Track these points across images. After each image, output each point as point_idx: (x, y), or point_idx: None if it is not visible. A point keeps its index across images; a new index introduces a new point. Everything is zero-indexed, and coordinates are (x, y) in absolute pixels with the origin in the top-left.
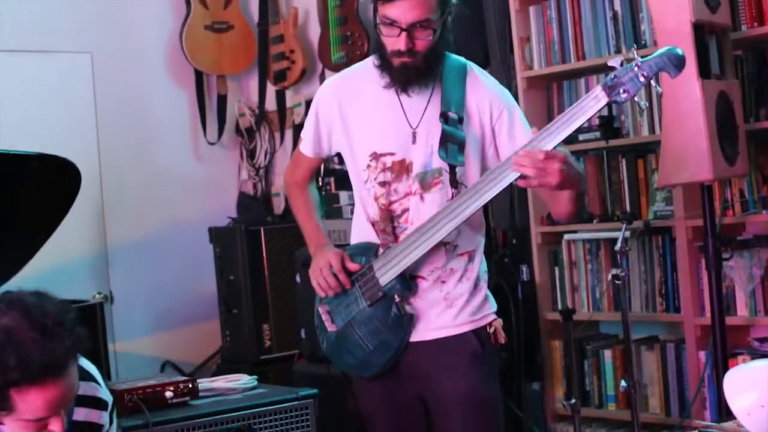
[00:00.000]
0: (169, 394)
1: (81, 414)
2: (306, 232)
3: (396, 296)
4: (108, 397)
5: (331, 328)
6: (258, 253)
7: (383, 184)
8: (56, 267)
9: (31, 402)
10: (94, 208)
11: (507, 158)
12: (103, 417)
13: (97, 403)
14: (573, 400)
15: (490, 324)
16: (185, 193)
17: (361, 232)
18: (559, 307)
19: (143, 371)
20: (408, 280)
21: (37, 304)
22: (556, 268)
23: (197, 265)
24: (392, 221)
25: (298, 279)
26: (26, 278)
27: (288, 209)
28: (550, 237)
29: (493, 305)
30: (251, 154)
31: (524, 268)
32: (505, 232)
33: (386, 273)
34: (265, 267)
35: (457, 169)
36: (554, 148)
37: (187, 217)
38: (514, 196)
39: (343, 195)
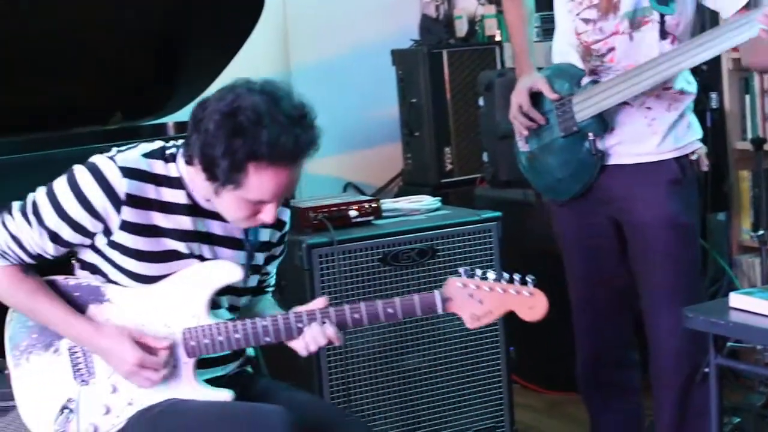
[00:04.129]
0: (353, 213)
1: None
2: (513, 50)
3: (590, 134)
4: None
5: (523, 147)
6: (440, 76)
7: (587, 21)
8: None
9: (262, 181)
10: (277, 30)
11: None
12: (287, 214)
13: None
14: (761, 232)
15: (693, 151)
16: (368, 15)
17: (563, 52)
18: (749, 136)
19: (325, 191)
20: (605, 120)
21: (284, 93)
22: (747, 96)
23: (379, 87)
24: (596, 60)
25: (480, 102)
26: None
27: (470, 32)
28: (741, 63)
29: (697, 131)
30: None
31: (714, 96)
32: None
33: (584, 110)
34: (448, 90)
35: (666, 18)
36: None
37: (370, 39)
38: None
39: None
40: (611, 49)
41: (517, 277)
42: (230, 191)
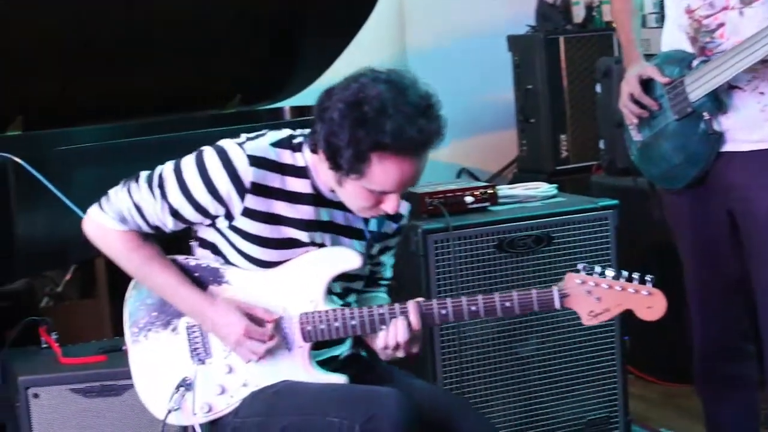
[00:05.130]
0: (469, 199)
1: None
2: (621, 43)
3: (705, 114)
4: None
5: (636, 137)
6: (557, 62)
7: None
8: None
9: (385, 172)
10: (394, 14)
11: None
12: (406, 207)
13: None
14: None
15: None
16: (485, 0)
17: (672, 40)
18: None
19: (439, 177)
20: (719, 99)
21: (409, 83)
22: None
23: (494, 73)
24: (706, 36)
25: (598, 89)
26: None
27: (588, 17)
28: None
29: None
30: None
31: None
32: None
33: (697, 89)
34: (564, 76)
35: None
36: None
37: (486, 25)
38: None
39: (647, 2)
40: (721, 25)
41: (636, 275)
42: (353, 181)
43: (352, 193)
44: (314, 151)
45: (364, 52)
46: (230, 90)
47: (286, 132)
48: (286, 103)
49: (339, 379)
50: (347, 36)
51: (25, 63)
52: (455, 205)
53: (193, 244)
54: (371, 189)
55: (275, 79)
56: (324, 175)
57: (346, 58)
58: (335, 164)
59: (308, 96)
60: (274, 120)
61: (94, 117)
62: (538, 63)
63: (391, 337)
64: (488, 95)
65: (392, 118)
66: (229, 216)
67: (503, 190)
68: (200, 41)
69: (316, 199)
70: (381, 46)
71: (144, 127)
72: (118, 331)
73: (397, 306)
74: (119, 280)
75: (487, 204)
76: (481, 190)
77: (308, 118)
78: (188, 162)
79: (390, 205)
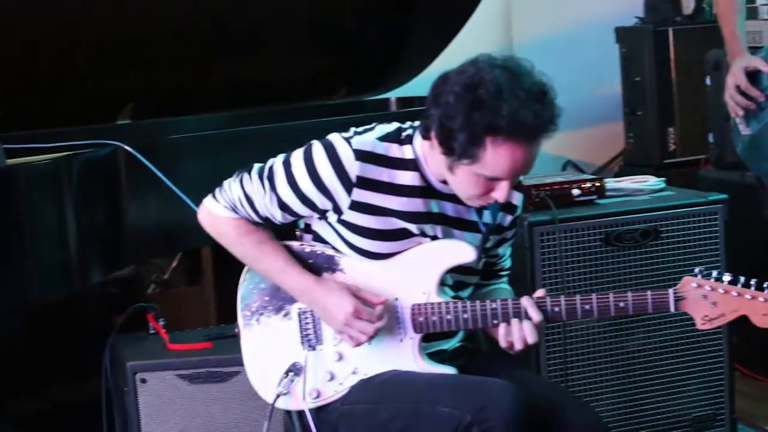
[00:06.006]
0: (576, 191)
1: None
2: (724, 38)
3: None
4: None
5: (744, 131)
6: (665, 54)
7: None
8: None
9: (498, 156)
10: (500, 5)
11: None
12: (519, 198)
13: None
14: None
15: None
16: None
17: None
18: None
19: (544, 169)
20: None
21: (525, 70)
22: None
23: (601, 65)
24: None
25: (707, 81)
26: (435, 76)
27: (697, 9)
28: None
29: None
30: None
31: None
32: None
33: None
34: (672, 69)
35: None
36: None
37: (594, 16)
38: None
39: None
40: None
41: (753, 281)
42: (465, 166)
43: (462, 180)
44: (426, 137)
45: (469, 45)
46: (337, 81)
47: (394, 125)
48: (392, 94)
49: (448, 370)
50: (454, 27)
51: (135, 52)
52: (562, 198)
53: (300, 234)
54: (483, 174)
55: (381, 70)
56: (434, 165)
57: (451, 50)
58: (448, 148)
59: (414, 87)
60: (380, 111)
61: (203, 107)
62: (646, 55)
63: (517, 337)
64: (595, 87)
65: (507, 101)
66: (337, 210)
67: (610, 183)
68: (309, 32)
69: (426, 191)
70: (487, 38)
71: (251, 118)
72: (223, 318)
73: (510, 302)
74: (225, 268)
75: (594, 197)
76: (589, 183)
77: (414, 109)
78: (297, 156)
79: (501, 193)
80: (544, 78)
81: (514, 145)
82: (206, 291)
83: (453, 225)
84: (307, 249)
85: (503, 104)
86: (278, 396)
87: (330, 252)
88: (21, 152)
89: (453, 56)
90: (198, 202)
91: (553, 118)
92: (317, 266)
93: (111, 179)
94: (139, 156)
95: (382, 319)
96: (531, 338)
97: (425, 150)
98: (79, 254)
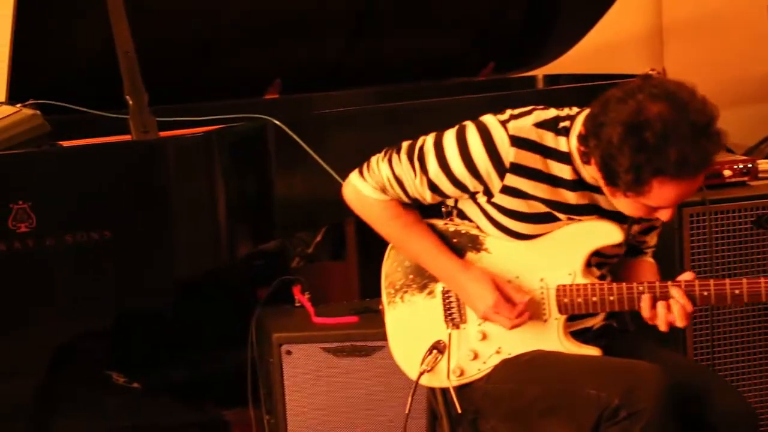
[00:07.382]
0: (727, 172)
1: None
2: None
3: None
4: None
5: None
6: None
7: None
8: (609, 43)
9: (665, 194)
10: None
11: None
12: None
13: None
14: None
15: None
16: None
17: None
18: None
19: None
20: None
21: (688, 96)
22: None
23: (754, 44)
24: None
25: None
26: (581, 55)
27: None
28: None
29: None
30: None
31: None
32: None
33: None
34: None
35: None
36: None
37: None
38: None
39: None
40: None
41: None
42: (629, 197)
43: (624, 203)
44: (587, 162)
45: (619, 22)
46: (484, 57)
47: (552, 112)
48: (539, 72)
49: (593, 351)
50: (603, 4)
51: (283, 28)
52: (712, 179)
53: (446, 210)
54: (647, 204)
55: (529, 47)
56: (591, 172)
57: (600, 27)
58: (612, 182)
59: (560, 65)
60: (526, 88)
61: (349, 82)
62: None
63: (663, 321)
64: (747, 67)
65: (675, 143)
66: (488, 192)
67: (763, 164)
68: (457, 8)
69: (578, 184)
70: (636, 16)
71: (397, 94)
72: (366, 293)
73: (657, 285)
74: (368, 243)
75: (745, 178)
76: (740, 164)
77: (559, 87)
78: (449, 136)
79: (665, 215)
80: (706, 100)
81: (680, 182)
82: (349, 266)
83: (605, 215)
84: (452, 228)
85: (671, 147)
86: (422, 373)
87: (474, 232)
88: (171, 125)
89: (603, 38)
90: (344, 177)
91: (718, 150)
92: (462, 246)
93: (260, 153)
94: (288, 131)
95: (522, 316)
96: (680, 323)
97: (581, 153)
98: (228, 228)
